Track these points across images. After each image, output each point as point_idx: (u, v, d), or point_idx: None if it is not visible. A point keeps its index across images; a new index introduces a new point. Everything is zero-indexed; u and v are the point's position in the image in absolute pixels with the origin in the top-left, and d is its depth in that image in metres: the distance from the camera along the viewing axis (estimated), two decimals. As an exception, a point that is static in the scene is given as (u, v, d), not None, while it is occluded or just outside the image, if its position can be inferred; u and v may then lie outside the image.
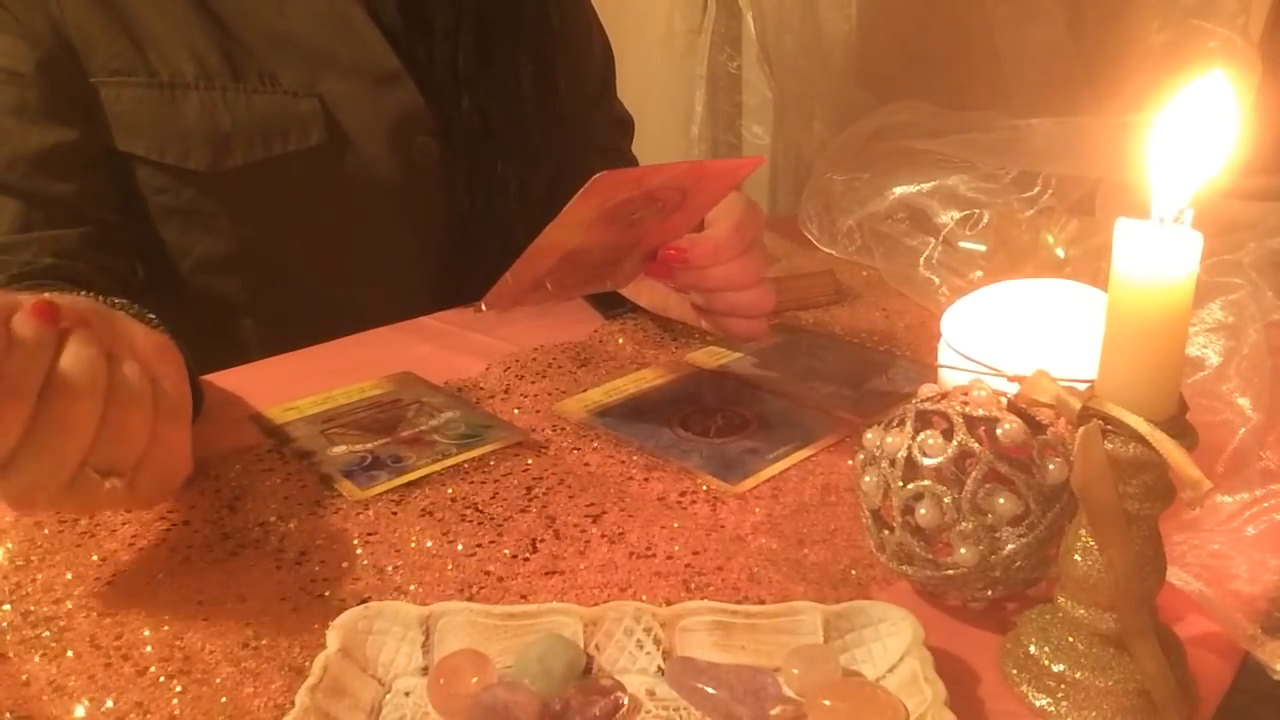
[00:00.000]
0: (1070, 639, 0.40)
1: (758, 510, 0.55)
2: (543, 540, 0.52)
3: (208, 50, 0.72)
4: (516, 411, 0.66)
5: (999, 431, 0.43)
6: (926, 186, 0.94)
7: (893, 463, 0.44)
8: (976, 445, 0.43)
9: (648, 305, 0.79)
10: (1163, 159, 0.35)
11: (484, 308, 0.63)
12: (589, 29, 1.00)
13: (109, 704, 0.41)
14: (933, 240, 0.90)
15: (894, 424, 0.46)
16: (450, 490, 0.57)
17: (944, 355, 0.61)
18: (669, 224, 0.64)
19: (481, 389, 0.70)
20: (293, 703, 0.37)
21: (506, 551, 0.51)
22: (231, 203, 0.76)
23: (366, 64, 0.77)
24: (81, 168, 0.72)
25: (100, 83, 0.71)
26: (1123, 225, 0.36)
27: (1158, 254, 0.35)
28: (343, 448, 0.61)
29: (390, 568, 0.50)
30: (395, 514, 0.54)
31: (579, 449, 0.61)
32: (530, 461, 0.60)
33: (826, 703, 0.38)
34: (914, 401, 0.46)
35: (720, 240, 0.65)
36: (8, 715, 0.40)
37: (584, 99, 0.96)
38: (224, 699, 0.41)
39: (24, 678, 0.42)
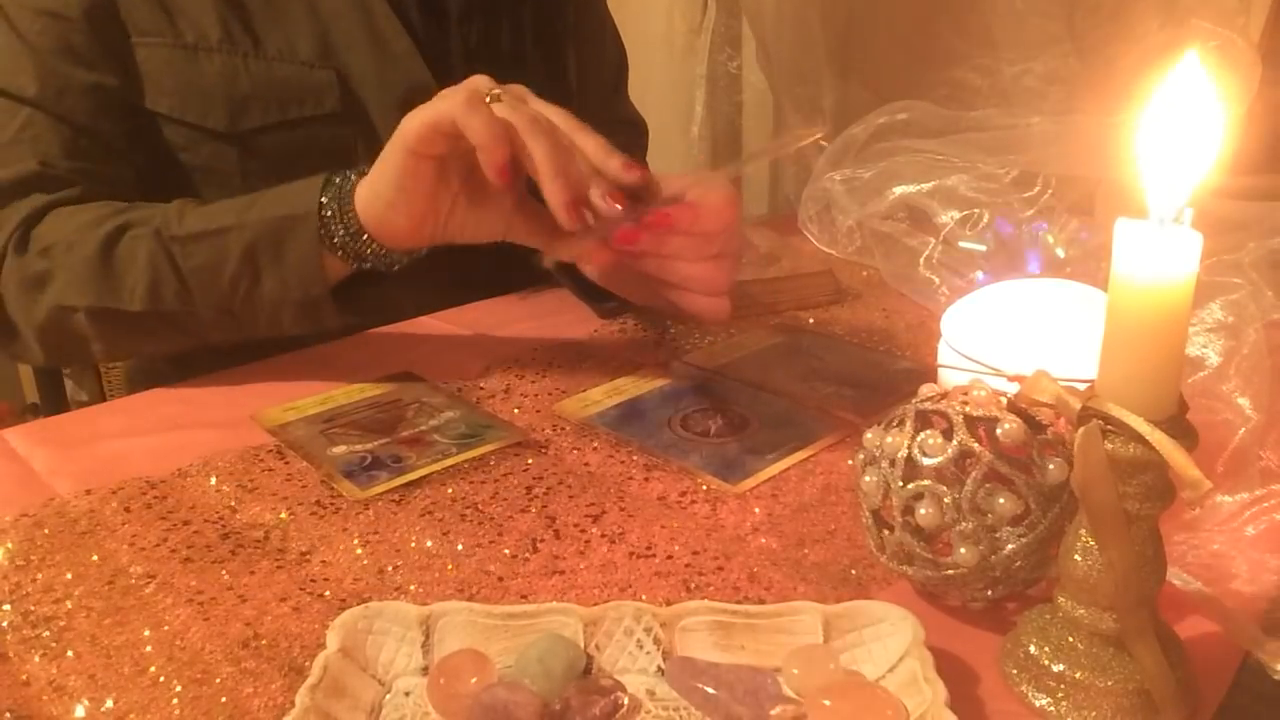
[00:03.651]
0: (1070, 639, 0.40)
1: (758, 510, 0.55)
2: (543, 540, 0.52)
3: (232, 20, 0.76)
4: (516, 411, 0.66)
5: (999, 431, 0.43)
6: (926, 186, 0.94)
7: (893, 463, 0.44)
8: (976, 445, 0.43)
9: (637, 300, 0.79)
10: (1154, 158, 0.35)
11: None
12: (603, 25, 1.02)
13: (109, 704, 0.41)
14: (933, 240, 0.90)
15: (894, 424, 0.46)
16: (450, 490, 0.57)
17: (944, 355, 0.61)
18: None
19: (481, 389, 0.70)
20: (293, 703, 0.37)
21: (506, 551, 0.51)
22: (247, 162, 0.79)
23: (380, 42, 0.80)
24: (124, 112, 0.75)
25: (135, 42, 0.74)
26: (1123, 225, 0.36)
27: (1157, 254, 0.35)
28: (343, 448, 0.61)
29: (390, 568, 0.50)
30: (395, 514, 0.54)
31: (579, 449, 0.61)
32: (530, 461, 0.60)
33: (826, 703, 0.38)
34: (914, 401, 0.46)
35: (712, 206, 0.65)
36: (8, 715, 0.40)
37: (595, 93, 0.97)
38: (224, 699, 0.41)
39: (24, 678, 0.42)
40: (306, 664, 0.41)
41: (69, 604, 0.47)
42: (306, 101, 0.78)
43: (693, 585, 0.48)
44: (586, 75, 0.95)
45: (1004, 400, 0.45)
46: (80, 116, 0.73)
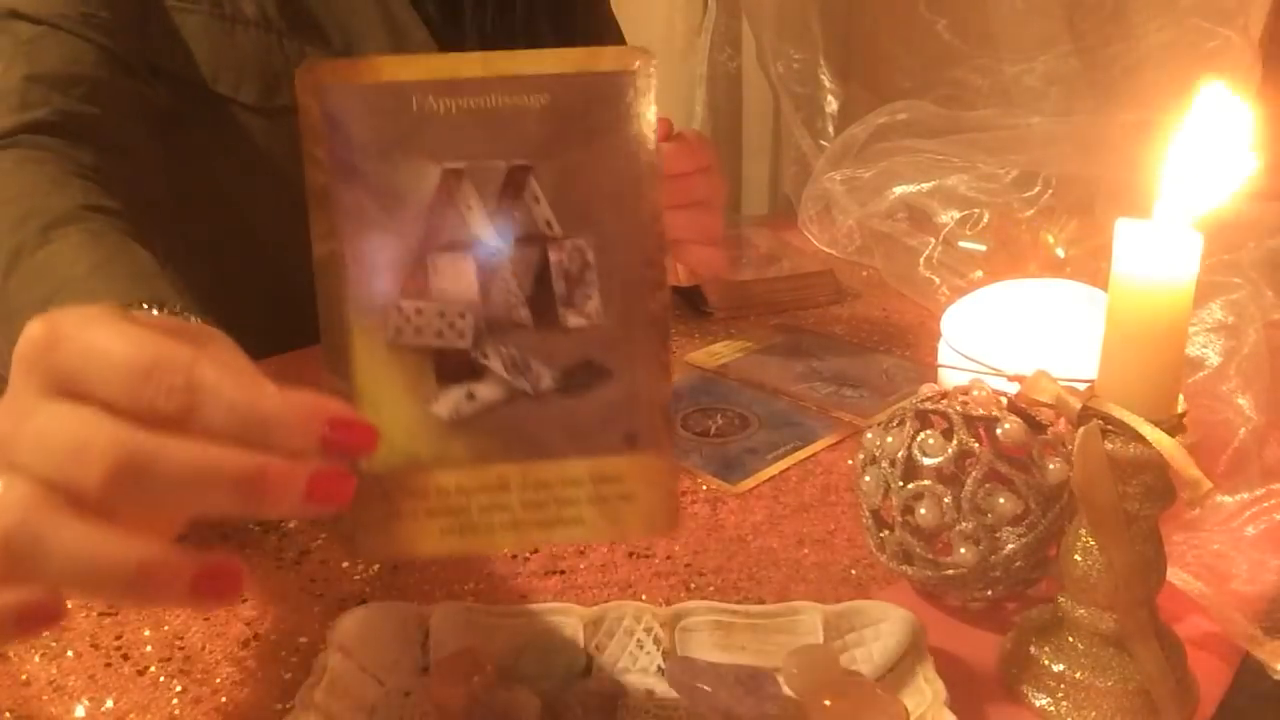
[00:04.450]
0: (1070, 639, 0.40)
1: (758, 510, 0.55)
2: (543, 540, 0.52)
3: (269, 2, 0.76)
4: (516, 411, 0.66)
5: (999, 431, 0.43)
6: (926, 186, 0.94)
7: (893, 463, 0.44)
8: (976, 445, 0.43)
9: None
10: (1179, 173, 0.35)
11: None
12: (609, 21, 1.03)
13: (109, 704, 0.41)
14: (933, 240, 0.90)
15: (894, 424, 0.46)
16: (450, 490, 0.57)
17: (944, 355, 0.61)
18: None
19: (481, 389, 0.70)
20: (293, 703, 0.37)
21: (507, 551, 0.51)
22: (272, 137, 0.78)
23: (397, 33, 0.81)
24: (148, 40, 0.73)
25: (171, 6, 0.74)
26: (1123, 225, 0.36)
27: (1158, 255, 0.35)
28: (343, 448, 0.61)
29: (390, 568, 0.50)
30: (395, 514, 0.54)
31: (579, 449, 0.61)
32: (530, 461, 0.60)
33: (826, 703, 0.38)
34: (914, 401, 0.46)
35: (683, 147, 0.65)
36: (8, 715, 0.40)
37: None
38: (224, 699, 0.41)
39: (24, 678, 0.42)
40: (306, 664, 0.41)
41: (69, 604, 0.47)
42: None
43: (693, 585, 0.48)
44: None
45: (1004, 400, 0.45)
46: (90, 30, 0.70)
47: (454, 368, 0.33)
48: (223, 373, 0.31)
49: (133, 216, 0.62)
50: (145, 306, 0.46)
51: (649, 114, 0.33)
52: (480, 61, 0.33)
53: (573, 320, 0.34)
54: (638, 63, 0.33)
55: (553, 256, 0.34)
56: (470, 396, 0.34)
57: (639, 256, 0.34)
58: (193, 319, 0.46)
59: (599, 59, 0.33)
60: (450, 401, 0.33)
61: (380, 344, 0.33)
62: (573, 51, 0.33)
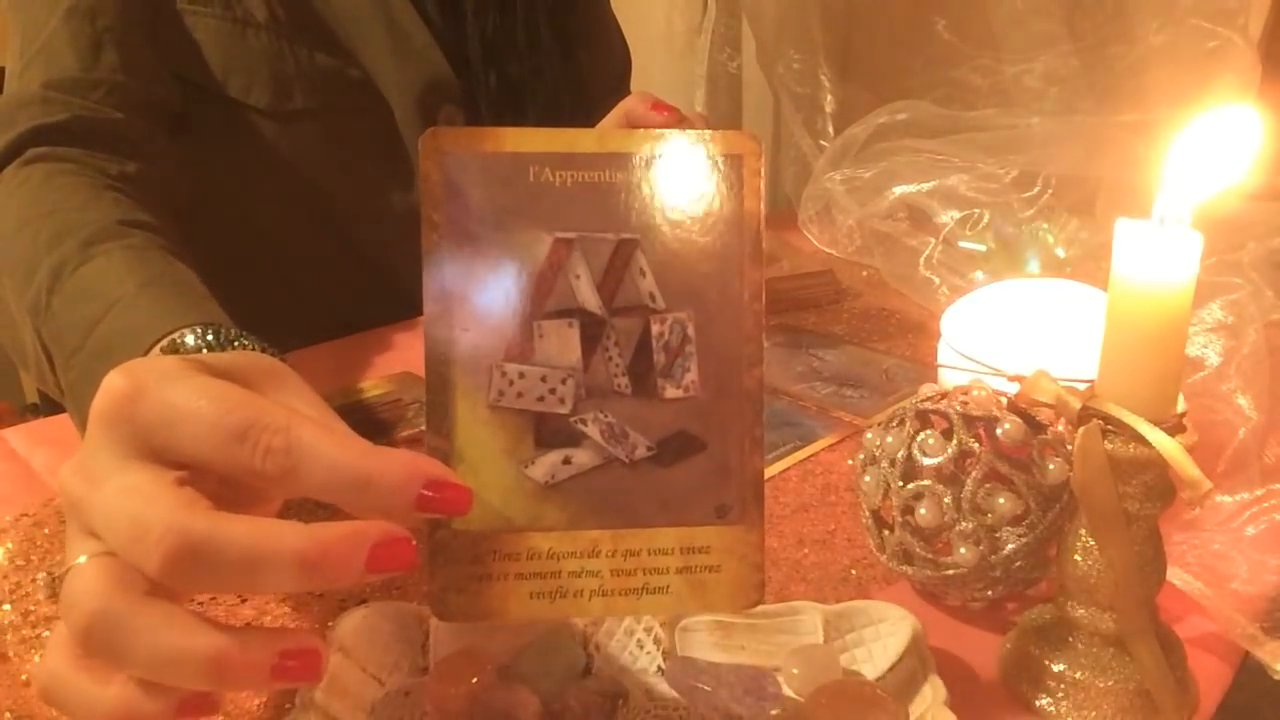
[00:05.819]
0: (1070, 639, 0.40)
1: (758, 510, 0.55)
2: (543, 540, 0.52)
3: (276, 5, 0.76)
4: (516, 411, 0.66)
5: (999, 431, 0.43)
6: (926, 186, 0.94)
7: (893, 463, 0.44)
8: (976, 445, 0.43)
9: None
10: (1178, 171, 0.35)
11: None
12: (610, 20, 1.03)
13: (109, 704, 0.41)
14: (933, 240, 0.90)
15: (894, 424, 0.46)
16: (450, 490, 0.57)
17: (944, 355, 0.61)
18: None
19: (481, 389, 0.70)
20: (293, 703, 0.37)
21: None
22: (283, 140, 0.79)
23: (399, 36, 0.81)
24: (158, 42, 0.73)
25: (183, 9, 0.74)
26: (1123, 225, 0.36)
27: (1158, 255, 0.35)
28: (343, 448, 0.61)
29: (390, 568, 0.50)
30: (395, 514, 0.54)
31: (579, 449, 0.61)
32: (530, 461, 0.60)
33: (826, 702, 0.38)
34: (914, 401, 0.46)
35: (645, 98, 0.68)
36: (8, 715, 0.40)
37: (601, 88, 0.98)
38: (224, 699, 0.41)
39: (24, 678, 0.42)
40: (306, 664, 0.41)
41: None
42: (343, 92, 0.79)
43: (693, 585, 0.48)
44: (595, 70, 0.96)
45: (1004, 400, 0.45)
46: (113, 28, 0.70)
47: (552, 432, 0.34)
48: (319, 432, 0.31)
49: (165, 229, 0.62)
50: (200, 330, 0.46)
51: (756, 197, 0.35)
52: (595, 138, 0.34)
53: (670, 391, 0.35)
54: (749, 147, 0.35)
55: (654, 329, 0.35)
56: (566, 461, 0.34)
57: (737, 333, 0.35)
58: (252, 346, 0.46)
59: (711, 142, 0.35)
60: (547, 465, 0.34)
61: (482, 405, 0.34)
62: (687, 134, 0.34)
